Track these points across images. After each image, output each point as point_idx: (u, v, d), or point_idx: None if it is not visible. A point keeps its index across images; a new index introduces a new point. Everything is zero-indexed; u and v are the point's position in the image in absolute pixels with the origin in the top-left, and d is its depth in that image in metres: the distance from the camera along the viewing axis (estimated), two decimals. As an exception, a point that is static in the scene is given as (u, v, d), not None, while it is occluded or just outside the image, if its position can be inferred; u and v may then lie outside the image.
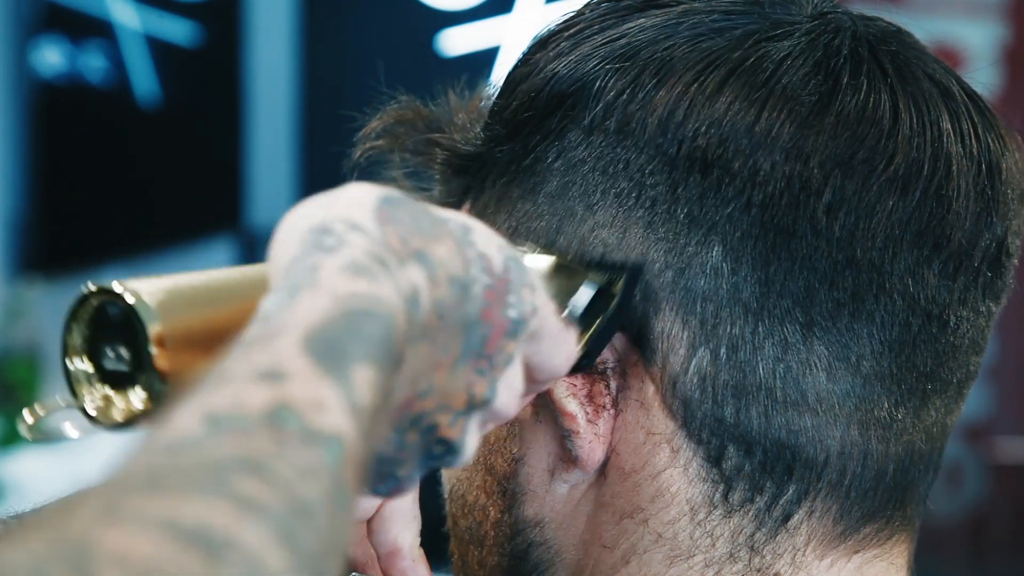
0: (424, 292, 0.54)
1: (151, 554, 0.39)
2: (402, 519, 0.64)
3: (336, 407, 0.46)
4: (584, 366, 0.66)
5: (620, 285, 0.66)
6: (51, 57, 3.88)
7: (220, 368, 0.47)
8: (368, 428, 0.48)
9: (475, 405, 0.58)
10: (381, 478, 0.58)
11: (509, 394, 0.60)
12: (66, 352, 0.61)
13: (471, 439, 0.59)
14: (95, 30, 3.90)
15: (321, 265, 0.51)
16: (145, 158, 3.99)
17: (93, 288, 0.60)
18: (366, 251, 0.52)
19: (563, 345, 0.62)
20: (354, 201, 0.55)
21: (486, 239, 0.59)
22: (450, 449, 0.59)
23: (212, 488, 0.42)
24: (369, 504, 0.63)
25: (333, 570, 0.44)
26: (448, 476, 0.74)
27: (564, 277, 0.67)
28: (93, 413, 0.61)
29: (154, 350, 0.59)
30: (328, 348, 0.48)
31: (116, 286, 0.59)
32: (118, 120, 3.96)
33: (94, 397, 0.61)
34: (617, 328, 0.66)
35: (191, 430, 0.44)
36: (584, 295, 0.66)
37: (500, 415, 0.60)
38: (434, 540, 0.77)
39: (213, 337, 0.59)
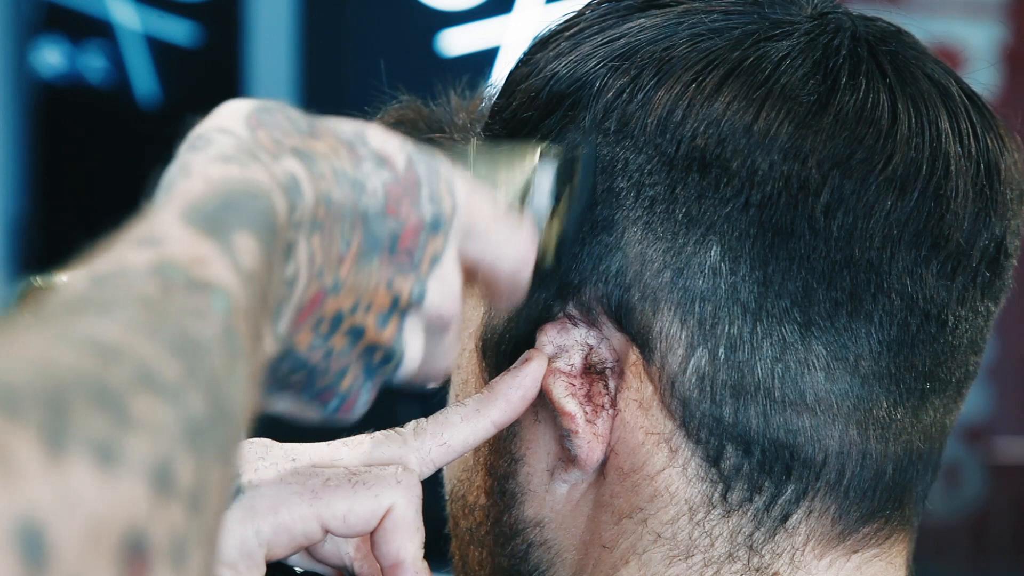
0: (304, 181, 0.53)
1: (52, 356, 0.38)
2: (405, 531, 0.63)
3: (219, 263, 0.45)
4: (559, 258, 0.65)
5: (578, 168, 0.65)
6: (51, 57, 3.88)
7: (101, 249, 0.46)
8: (255, 292, 0.47)
9: (403, 304, 0.58)
10: (323, 395, 0.58)
11: (443, 292, 0.59)
12: None
13: (412, 342, 0.59)
14: (95, 30, 3.89)
15: (191, 161, 0.51)
16: (145, 158, 3.98)
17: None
18: (235, 146, 0.52)
19: (511, 238, 0.62)
20: (227, 112, 0.55)
21: (383, 140, 0.59)
22: (388, 354, 0.59)
23: (103, 314, 0.41)
24: (372, 516, 0.63)
25: (236, 420, 0.43)
26: (449, 477, 0.74)
27: (517, 169, 0.66)
28: None
29: None
30: (206, 217, 0.47)
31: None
32: (118, 120, 3.96)
33: None
34: (585, 210, 0.65)
35: (77, 289, 0.43)
36: (542, 182, 0.65)
37: (438, 316, 0.60)
38: (435, 541, 0.77)
39: None
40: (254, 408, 0.46)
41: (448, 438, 0.66)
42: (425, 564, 0.65)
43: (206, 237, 0.46)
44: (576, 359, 0.67)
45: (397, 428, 0.67)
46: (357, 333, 0.57)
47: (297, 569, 0.67)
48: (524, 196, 0.65)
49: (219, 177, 0.50)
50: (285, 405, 0.58)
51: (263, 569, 0.62)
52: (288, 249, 0.52)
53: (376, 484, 0.63)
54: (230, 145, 0.52)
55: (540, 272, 0.65)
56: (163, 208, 0.48)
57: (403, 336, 0.59)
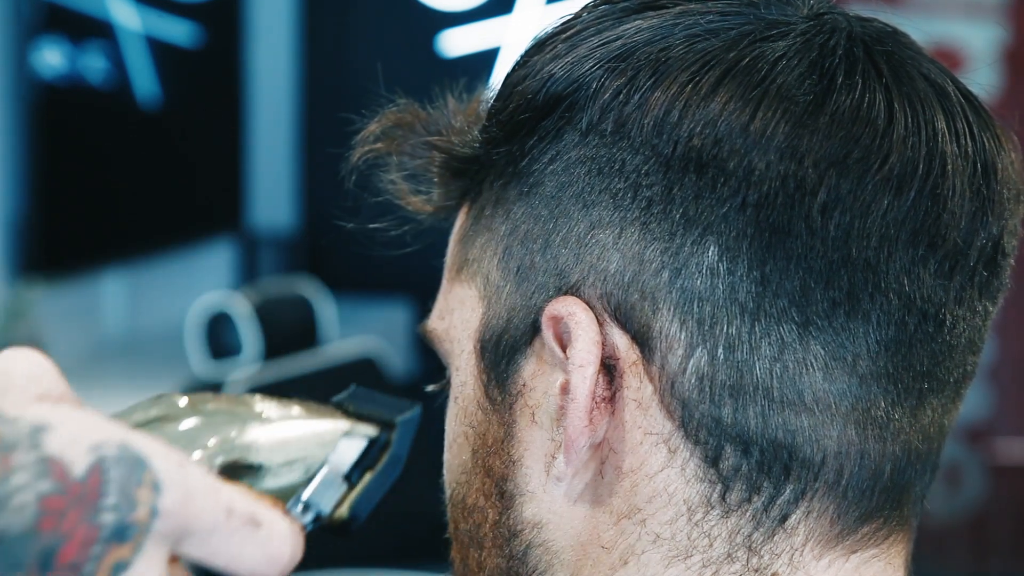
0: None
1: None
2: None
3: None
4: (353, 529, 0.63)
5: (395, 433, 0.64)
6: (51, 58, 3.88)
7: None
8: None
9: None
10: None
11: None
12: None
13: None
14: (95, 31, 3.89)
15: None
16: (145, 158, 3.99)
17: None
18: None
19: (250, 548, 0.57)
20: None
21: (68, 440, 0.54)
22: None
23: None
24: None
25: None
26: (449, 480, 0.74)
27: (332, 432, 0.63)
28: None
29: None
30: None
31: None
32: (118, 121, 3.96)
33: None
34: (390, 484, 0.63)
35: None
36: (349, 449, 0.63)
37: None
38: (436, 545, 0.77)
39: None
40: None
41: None
42: None
43: None
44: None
45: None
46: None
47: None
48: (330, 464, 0.62)
49: None
50: None
51: None
52: None
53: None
54: None
55: (334, 534, 0.63)
56: None
57: None
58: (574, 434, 0.66)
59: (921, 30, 0.73)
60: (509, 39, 3.44)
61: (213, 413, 0.60)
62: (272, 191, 4.24)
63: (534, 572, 0.70)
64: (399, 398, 0.65)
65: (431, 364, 0.79)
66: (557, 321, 0.67)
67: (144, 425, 0.60)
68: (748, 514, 0.66)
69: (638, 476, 0.67)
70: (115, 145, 3.93)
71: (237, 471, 0.60)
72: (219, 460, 0.60)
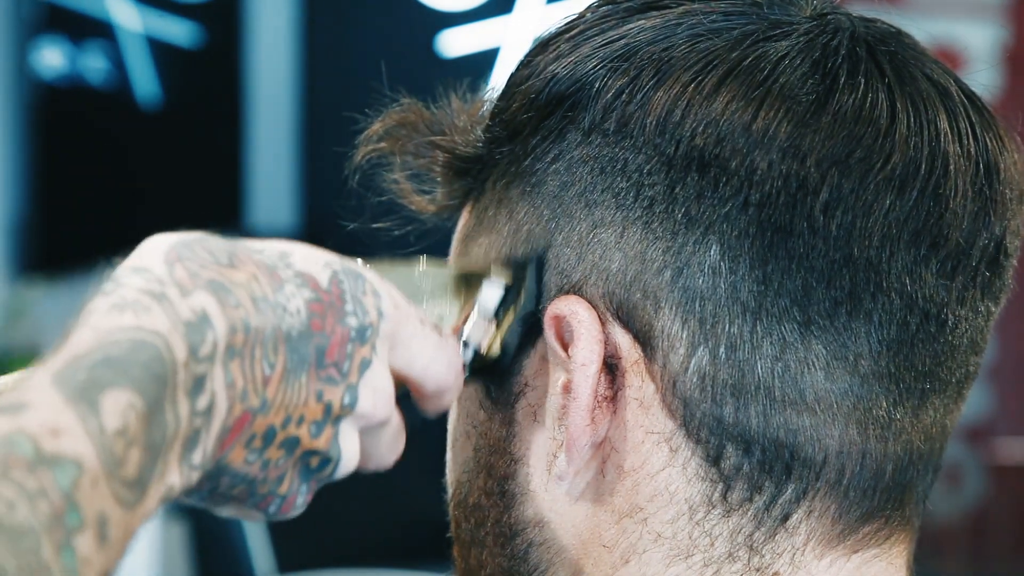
0: (215, 315, 0.57)
1: None
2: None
3: (76, 432, 0.50)
4: (504, 364, 0.68)
5: (527, 277, 0.68)
6: (51, 58, 3.88)
7: None
8: (121, 447, 0.51)
9: (335, 412, 0.61)
10: (263, 501, 0.61)
11: (374, 396, 0.62)
12: None
13: (348, 445, 0.62)
14: (95, 31, 3.90)
15: (94, 309, 0.55)
16: (145, 159, 3.99)
17: None
18: (139, 288, 0.56)
19: (436, 356, 0.65)
20: (149, 247, 0.59)
21: (306, 260, 0.62)
22: (325, 459, 0.62)
23: None
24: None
25: None
26: (451, 480, 0.74)
27: (473, 283, 0.69)
28: None
29: None
30: (76, 378, 0.51)
31: None
32: (119, 121, 3.96)
33: None
34: (530, 321, 0.68)
35: None
36: (491, 294, 0.68)
37: (373, 418, 0.63)
38: (437, 544, 0.77)
39: None
40: (112, 563, 0.50)
41: None
42: None
43: (70, 403, 0.50)
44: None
45: None
46: (292, 443, 0.60)
47: None
48: (478, 307, 0.68)
49: (106, 329, 0.54)
50: (230, 512, 0.62)
51: None
52: (198, 382, 0.55)
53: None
54: (136, 287, 0.56)
55: (482, 368, 0.68)
56: (44, 367, 0.52)
57: (338, 440, 0.62)
58: (576, 433, 0.66)
59: (922, 30, 0.73)
60: (509, 39, 3.44)
61: (386, 269, 0.67)
62: (272, 191, 4.24)
63: (535, 571, 0.70)
64: (519, 243, 0.68)
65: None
66: (559, 320, 0.67)
67: None
68: (749, 513, 0.66)
69: (640, 475, 0.67)
70: (115, 145, 3.93)
71: None
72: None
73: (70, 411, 0.50)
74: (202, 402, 0.55)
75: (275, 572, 2.55)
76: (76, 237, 3.87)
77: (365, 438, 0.63)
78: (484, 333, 0.68)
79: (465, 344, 0.68)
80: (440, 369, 0.65)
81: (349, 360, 0.61)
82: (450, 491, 0.74)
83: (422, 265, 0.69)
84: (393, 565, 2.52)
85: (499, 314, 0.68)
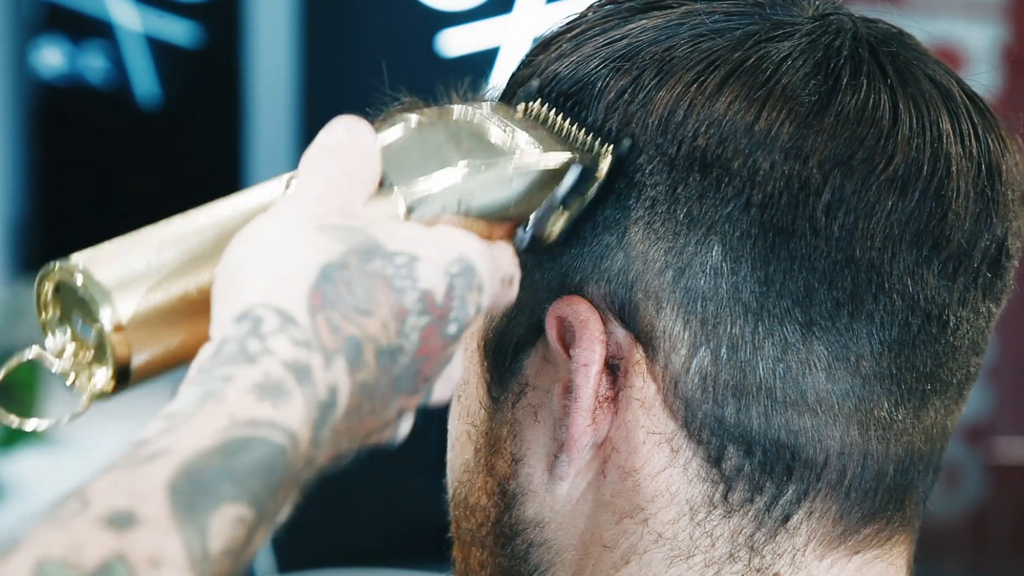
0: (343, 389, 0.56)
1: None
2: None
3: (178, 560, 0.49)
4: (553, 247, 0.68)
5: (604, 166, 0.67)
6: (51, 58, 3.88)
7: (81, 491, 0.50)
8: (220, 567, 0.51)
9: (407, 415, 0.61)
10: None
11: (446, 386, 0.63)
12: (42, 326, 0.60)
13: (405, 427, 0.62)
14: (95, 30, 3.90)
15: (235, 376, 0.54)
16: (145, 158, 3.99)
17: (54, 267, 0.59)
18: (285, 361, 0.55)
19: (503, 300, 0.65)
20: (289, 277, 0.57)
21: (432, 268, 0.60)
22: (386, 446, 0.62)
23: None
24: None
25: None
26: (451, 480, 0.74)
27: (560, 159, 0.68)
28: (70, 384, 0.59)
29: (112, 336, 0.58)
30: (192, 489, 0.51)
31: (68, 266, 0.58)
32: (118, 121, 3.96)
33: (74, 363, 0.59)
34: (594, 210, 0.67)
35: None
36: (569, 179, 0.67)
37: (434, 405, 0.63)
38: (438, 544, 0.77)
39: (184, 310, 0.59)
40: None
41: None
42: None
43: (178, 522, 0.50)
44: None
45: None
46: (359, 449, 0.60)
47: None
48: (554, 193, 0.67)
49: (244, 420, 0.53)
50: None
51: None
52: (308, 463, 0.55)
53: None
54: (281, 359, 0.54)
55: (540, 252, 0.67)
56: (164, 456, 0.51)
57: (399, 431, 0.62)
58: (577, 433, 0.66)
59: (922, 30, 0.73)
60: (509, 39, 3.44)
61: (468, 139, 0.66)
62: (272, 191, 4.22)
63: (536, 571, 0.70)
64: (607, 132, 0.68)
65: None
66: (561, 320, 0.67)
67: (411, 138, 0.65)
68: (750, 514, 0.66)
69: (641, 476, 0.67)
70: (115, 145, 3.93)
71: (493, 212, 0.65)
72: (480, 199, 0.65)
73: (176, 535, 0.50)
74: (305, 475, 0.55)
75: (275, 572, 2.55)
76: (76, 237, 3.87)
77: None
78: (550, 218, 0.67)
79: (527, 229, 0.67)
80: (503, 304, 0.65)
81: (437, 366, 0.61)
82: (450, 491, 0.74)
83: (498, 129, 0.67)
84: (393, 565, 2.51)
85: (568, 201, 0.67)
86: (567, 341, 0.67)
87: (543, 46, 0.71)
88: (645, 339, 0.66)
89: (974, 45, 3.18)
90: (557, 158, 0.66)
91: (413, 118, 0.66)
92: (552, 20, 0.72)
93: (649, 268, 0.66)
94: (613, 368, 0.67)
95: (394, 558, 2.57)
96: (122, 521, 0.49)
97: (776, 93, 0.65)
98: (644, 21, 0.68)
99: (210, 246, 0.60)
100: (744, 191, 0.65)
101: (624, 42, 0.68)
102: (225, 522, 0.51)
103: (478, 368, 0.71)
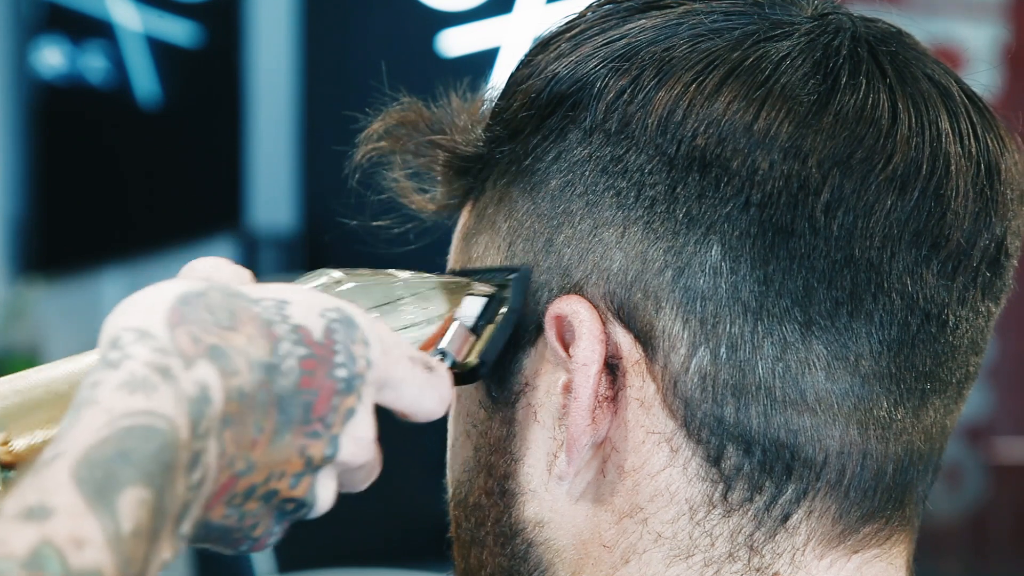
0: (214, 388, 0.58)
1: None
2: None
3: (97, 541, 0.52)
4: (482, 374, 0.68)
5: (509, 290, 0.68)
6: (51, 58, 3.88)
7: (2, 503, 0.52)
8: (133, 547, 0.53)
9: (315, 464, 0.61)
10: (237, 543, 0.62)
11: (356, 444, 0.63)
12: None
13: (324, 491, 0.63)
14: (95, 31, 3.90)
15: (102, 382, 0.56)
16: (145, 158, 3.99)
17: None
18: (147, 362, 0.57)
19: (428, 390, 0.65)
20: (150, 305, 0.60)
21: (305, 309, 0.62)
22: (301, 504, 0.62)
23: None
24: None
25: None
26: (451, 480, 0.74)
27: (458, 292, 0.70)
28: None
29: None
30: (95, 476, 0.53)
31: None
32: (118, 120, 3.96)
33: None
34: (510, 331, 0.69)
35: None
36: (472, 305, 0.69)
37: (352, 464, 0.63)
38: (438, 544, 0.77)
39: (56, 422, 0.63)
40: None
41: None
42: None
43: (90, 507, 0.52)
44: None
45: None
46: (270, 495, 0.61)
47: None
48: (459, 319, 0.69)
49: (121, 412, 0.55)
50: (201, 546, 0.63)
51: None
52: (194, 459, 0.56)
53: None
54: (142, 361, 0.57)
55: (465, 381, 0.69)
56: (62, 455, 0.53)
57: (315, 488, 0.62)
58: (576, 433, 0.66)
59: (922, 30, 0.73)
60: (509, 39, 3.43)
61: (366, 278, 0.70)
62: (272, 190, 4.24)
63: (535, 571, 0.70)
64: (508, 264, 0.70)
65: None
66: (560, 320, 0.67)
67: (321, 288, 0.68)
68: (750, 513, 0.66)
69: (640, 475, 0.67)
70: (115, 145, 3.93)
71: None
72: (374, 316, 0.67)
73: (91, 517, 0.52)
74: (196, 476, 0.57)
75: (275, 572, 2.55)
76: (76, 237, 3.87)
77: (342, 475, 0.64)
78: (463, 343, 0.69)
79: (443, 354, 0.68)
80: (429, 405, 0.65)
81: (334, 412, 0.62)
82: (450, 490, 0.74)
83: (404, 274, 0.70)
84: (393, 565, 2.51)
85: (478, 326, 0.69)
86: (567, 340, 0.67)
87: (542, 46, 0.71)
88: (644, 339, 0.66)
89: (974, 45, 3.18)
90: (449, 284, 0.70)
91: (334, 272, 0.69)
92: (552, 20, 0.72)
93: (648, 268, 0.66)
94: (613, 368, 0.67)
95: (394, 558, 2.57)
96: (38, 513, 0.51)
97: (775, 93, 0.65)
98: (643, 21, 0.69)
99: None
100: (743, 190, 0.65)
101: (623, 42, 0.68)
102: (131, 504, 0.53)
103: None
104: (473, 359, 0.68)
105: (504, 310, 0.68)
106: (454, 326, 0.68)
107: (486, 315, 0.69)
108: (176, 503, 0.55)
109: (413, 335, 0.69)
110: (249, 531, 0.62)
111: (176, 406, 0.56)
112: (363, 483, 0.66)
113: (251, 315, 0.60)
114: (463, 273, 0.72)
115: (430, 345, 0.69)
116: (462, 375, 0.68)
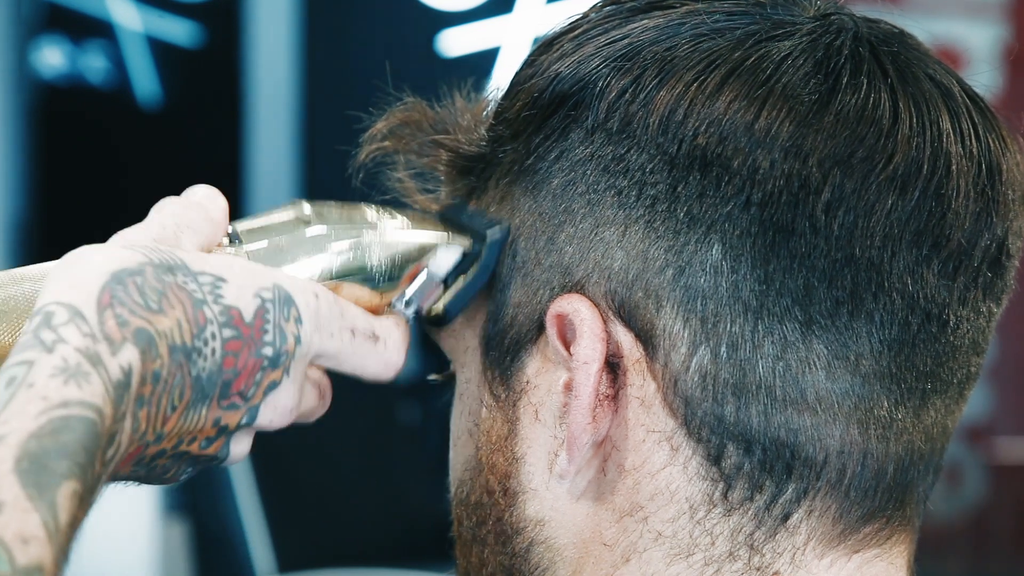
0: (136, 371, 0.61)
1: None
2: None
3: (40, 537, 0.54)
4: (443, 322, 0.71)
5: (485, 251, 0.70)
6: (52, 58, 3.88)
7: None
8: (68, 538, 0.56)
9: (230, 431, 0.65)
10: (148, 482, 0.66)
11: (274, 412, 0.67)
12: None
13: (237, 448, 0.67)
14: (96, 30, 3.90)
15: (37, 362, 0.59)
16: (145, 158, 3.99)
17: None
18: (78, 348, 0.60)
19: (372, 358, 0.69)
20: (84, 279, 0.62)
21: (239, 289, 0.65)
22: (212, 459, 0.66)
23: None
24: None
25: None
26: (453, 479, 0.74)
27: (429, 246, 0.71)
28: None
29: None
30: (35, 470, 0.56)
31: None
32: (119, 120, 3.96)
33: None
34: (479, 287, 0.71)
35: None
36: (446, 258, 0.71)
37: (268, 428, 0.67)
38: (439, 544, 0.77)
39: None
40: None
41: None
42: None
43: (32, 504, 0.55)
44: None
45: None
46: (180, 456, 0.65)
47: None
48: (430, 268, 0.71)
49: (57, 402, 0.58)
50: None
51: None
52: (111, 438, 0.59)
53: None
54: (75, 346, 0.59)
55: (430, 325, 0.71)
56: (2, 443, 0.56)
57: (228, 446, 0.67)
58: (577, 431, 0.67)
59: (922, 29, 0.73)
60: (509, 39, 3.44)
61: (336, 221, 0.70)
62: (272, 191, 4.24)
63: (536, 569, 0.70)
64: (490, 219, 0.71)
65: (434, 362, 0.80)
66: (561, 319, 0.67)
67: (285, 225, 0.70)
68: (750, 512, 0.66)
69: (640, 474, 0.67)
70: (115, 145, 3.93)
71: (353, 272, 0.70)
72: (340, 261, 0.70)
73: (34, 513, 0.54)
74: (110, 453, 0.59)
75: (275, 572, 2.55)
76: (76, 237, 3.86)
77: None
78: (431, 292, 0.71)
79: (408, 302, 0.71)
80: (373, 370, 0.69)
81: (256, 386, 0.65)
82: (452, 489, 0.74)
83: (372, 214, 0.71)
84: (393, 565, 2.52)
85: (449, 279, 0.71)
86: (568, 339, 0.67)
87: (545, 46, 0.71)
88: (645, 337, 0.66)
89: (974, 45, 3.18)
90: (421, 235, 0.71)
91: (305, 206, 0.71)
92: (552, 20, 0.72)
93: (649, 267, 0.66)
94: (613, 366, 0.67)
95: (394, 558, 2.57)
96: None
97: (776, 92, 0.65)
98: (645, 21, 0.69)
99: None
100: (744, 190, 0.65)
101: (625, 42, 0.68)
102: (67, 498, 0.56)
103: (479, 366, 0.71)
104: (439, 308, 0.71)
105: (477, 267, 0.70)
106: (423, 274, 0.71)
107: (459, 268, 0.71)
108: (92, 481, 0.58)
109: (380, 284, 0.71)
110: (160, 477, 0.66)
111: (104, 395, 0.59)
112: (312, 412, 0.70)
113: (182, 297, 0.63)
114: (443, 217, 0.73)
115: (400, 288, 0.71)
116: (426, 320, 0.71)
